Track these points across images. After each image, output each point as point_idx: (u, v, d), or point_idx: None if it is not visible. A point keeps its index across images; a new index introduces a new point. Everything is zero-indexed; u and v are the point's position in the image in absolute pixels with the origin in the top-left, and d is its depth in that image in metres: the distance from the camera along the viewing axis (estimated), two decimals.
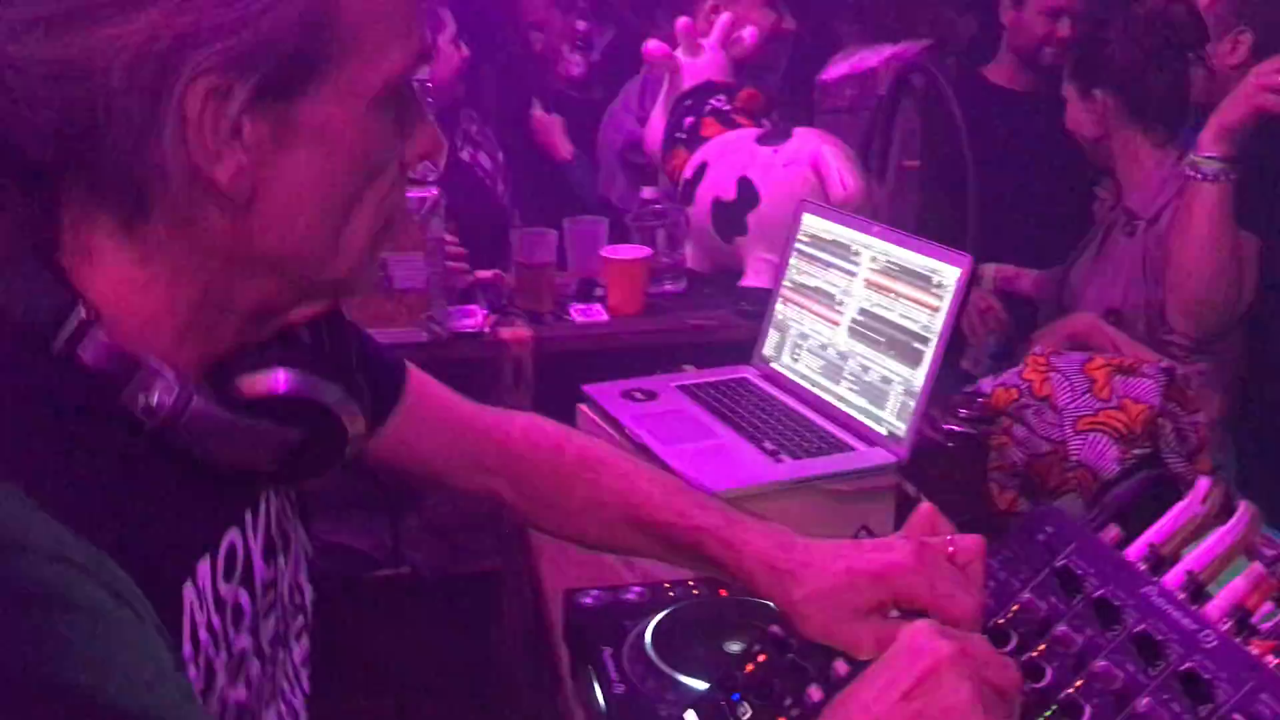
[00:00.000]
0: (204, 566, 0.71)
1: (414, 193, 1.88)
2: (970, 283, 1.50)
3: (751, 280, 2.25)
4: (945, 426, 1.67)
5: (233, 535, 0.75)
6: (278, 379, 0.72)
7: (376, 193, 0.72)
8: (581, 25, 3.22)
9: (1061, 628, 0.80)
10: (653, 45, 2.40)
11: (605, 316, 2.23)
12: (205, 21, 0.61)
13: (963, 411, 1.68)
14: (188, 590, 0.69)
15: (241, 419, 0.70)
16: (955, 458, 1.65)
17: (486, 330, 2.08)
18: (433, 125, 0.76)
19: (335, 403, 0.74)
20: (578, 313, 2.23)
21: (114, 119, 0.61)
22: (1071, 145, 2.18)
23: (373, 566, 2.03)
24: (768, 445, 1.57)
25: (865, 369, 1.63)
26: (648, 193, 2.36)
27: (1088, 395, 1.59)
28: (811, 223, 1.81)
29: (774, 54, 2.78)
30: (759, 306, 1.90)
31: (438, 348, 1.95)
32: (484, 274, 2.30)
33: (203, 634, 0.70)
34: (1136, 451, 1.51)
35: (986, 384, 1.71)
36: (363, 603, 1.97)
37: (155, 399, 0.66)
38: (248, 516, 0.78)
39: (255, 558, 0.78)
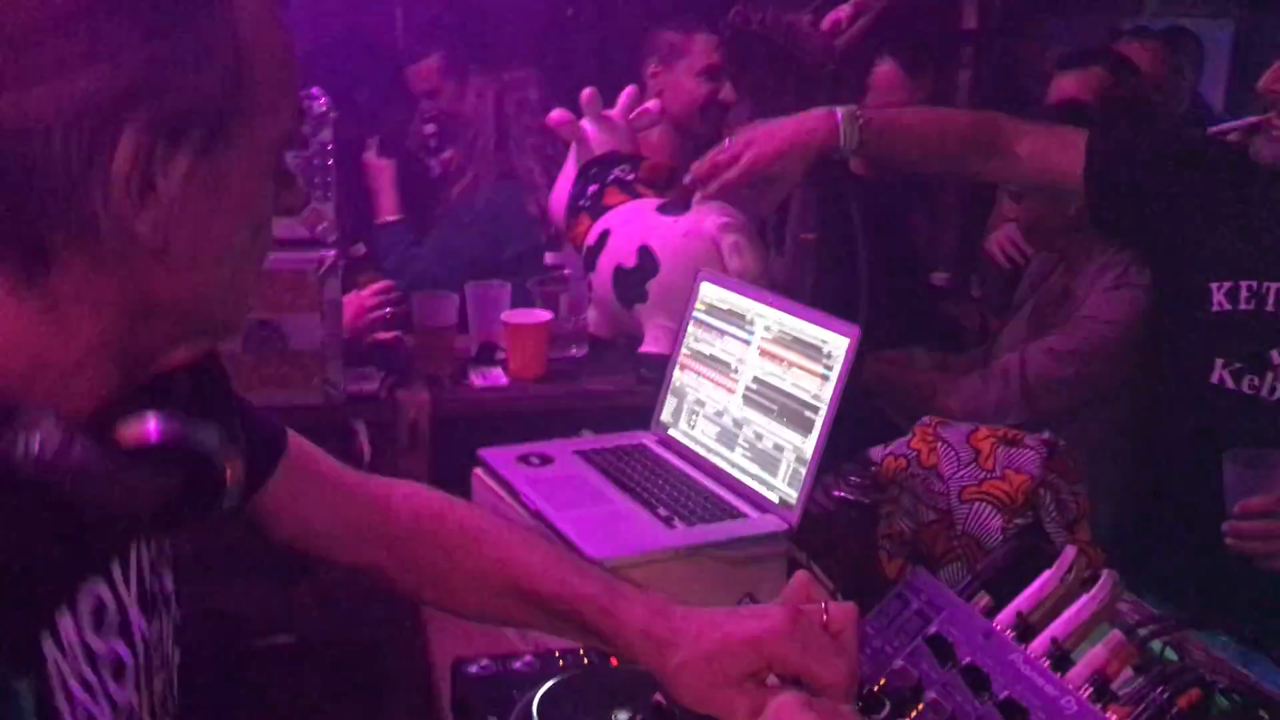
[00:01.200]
0: (65, 619, 0.70)
1: (312, 254, 1.86)
2: (860, 354, 1.55)
3: (650, 346, 2.27)
4: (836, 494, 1.70)
5: (98, 587, 0.74)
6: (156, 425, 0.72)
7: (261, 241, 0.76)
8: (430, 129, 3.09)
9: (932, 694, 0.81)
10: (556, 114, 2.43)
11: (505, 380, 2.23)
12: (139, 83, 0.64)
13: (854, 479, 1.71)
14: (47, 644, 0.67)
15: (121, 465, 0.70)
16: (846, 525, 1.68)
17: (383, 393, 2.06)
18: (296, 177, 0.80)
19: (214, 449, 0.74)
20: (477, 376, 2.23)
21: (46, 176, 0.63)
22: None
23: (260, 634, 1.97)
24: (662, 511, 1.58)
25: (759, 436, 1.66)
26: (551, 258, 2.37)
27: (973, 465, 1.63)
28: (709, 291, 1.84)
29: (714, 124, 2.80)
30: (657, 373, 1.92)
31: (333, 410, 1.92)
32: (383, 336, 2.29)
33: (74, 687, 0.69)
34: (1018, 520, 1.56)
35: (877, 452, 1.75)
36: (249, 671, 1.91)
37: (36, 445, 0.65)
38: (115, 568, 0.77)
39: (130, 610, 0.77)
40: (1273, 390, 1.62)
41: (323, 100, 1.94)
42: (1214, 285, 1.67)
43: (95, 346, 0.70)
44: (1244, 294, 1.64)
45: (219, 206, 0.70)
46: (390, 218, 2.91)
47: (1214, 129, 2.37)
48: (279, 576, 2.02)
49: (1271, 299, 1.62)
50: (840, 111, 1.80)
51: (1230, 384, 1.65)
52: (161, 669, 0.81)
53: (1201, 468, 1.65)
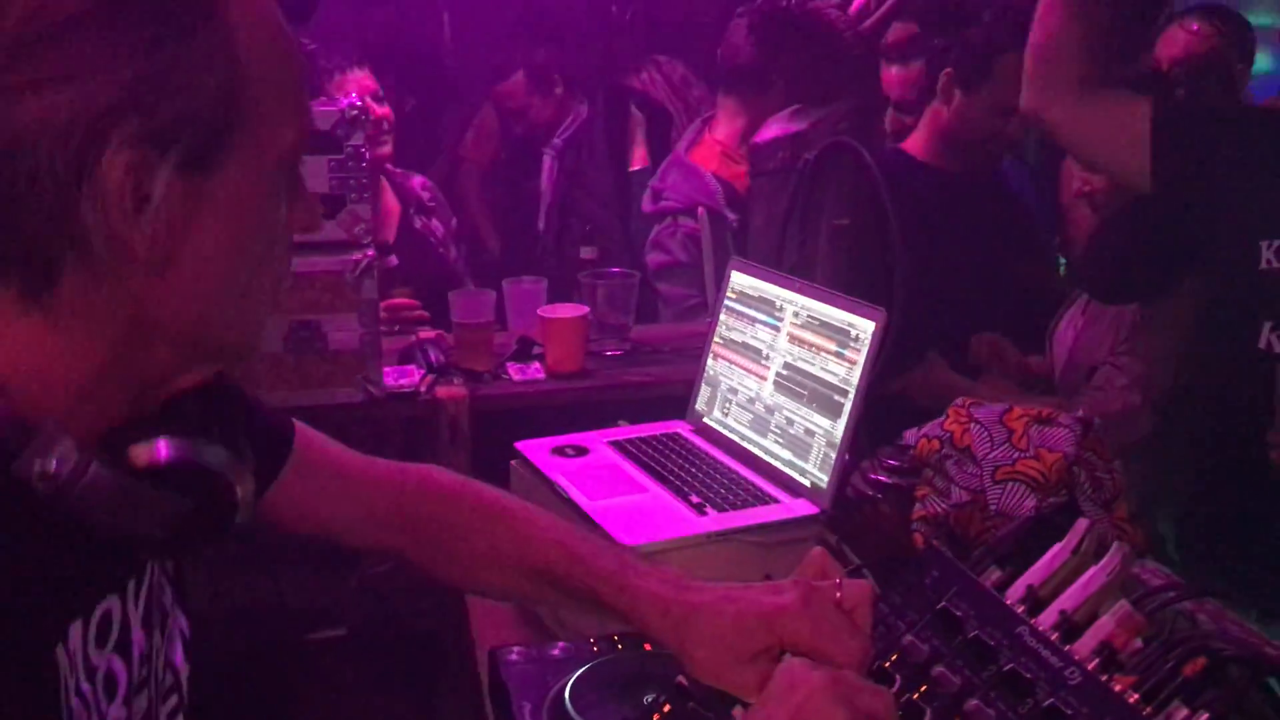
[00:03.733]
0: (75, 630, 0.71)
1: (349, 255, 1.90)
2: (885, 336, 1.55)
3: None
4: (872, 477, 1.70)
5: (111, 602, 0.75)
6: (167, 447, 0.73)
7: (273, 262, 0.75)
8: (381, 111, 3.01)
9: (940, 669, 0.82)
10: None
11: (543, 375, 2.25)
12: (127, 97, 0.63)
13: (890, 463, 1.71)
14: (60, 654, 0.68)
15: (135, 487, 0.71)
16: (881, 508, 1.68)
17: (423, 390, 2.10)
18: (312, 200, 0.79)
19: (224, 468, 0.75)
20: (516, 371, 2.25)
21: (36, 192, 0.63)
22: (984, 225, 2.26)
23: (309, 628, 2.02)
24: (694, 499, 1.59)
25: (790, 422, 1.66)
26: (586, 253, 2.39)
27: (1006, 445, 1.62)
28: (739, 280, 1.85)
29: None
30: None
31: (373, 407, 1.96)
32: (426, 334, 2.33)
33: (74, 700, 0.69)
34: (1052, 500, 1.55)
35: (911, 435, 1.74)
36: (299, 665, 1.95)
37: (53, 466, 0.66)
38: (130, 585, 0.78)
39: (134, 627, 0.78)
40: None
41: (356, 103, 1.98)
42: (1264, 243, 1.64)
43: (102, 368, 0.70)
44: None
45: (221, 224, 0.69)
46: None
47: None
48: (328, 570, 2.07)
49: None
50: None
51: (1278, 348, 1.62)
52: (151, 685, 0.82)
53: (1252, 439, 1.63)
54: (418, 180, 2.99)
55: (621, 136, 3.35)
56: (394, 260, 2.66)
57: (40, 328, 0.68)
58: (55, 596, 0.70)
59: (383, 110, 2.71)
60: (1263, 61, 3.66)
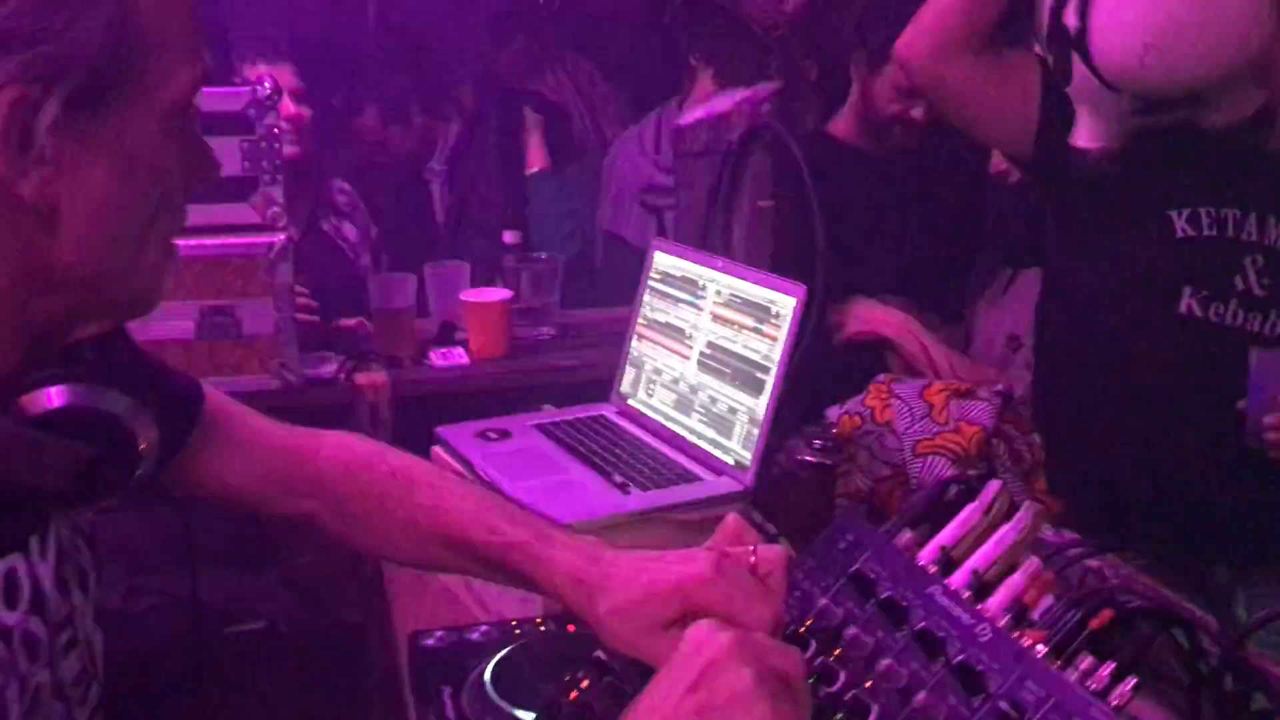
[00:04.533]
0: None
1: (262, 238, 1.86)
2: (808, 312, 1.55)
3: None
4: (798, 457, 1.71)
5: (14, 560, 0.73)
6: (61, 393, 0.71)
7: (169, 211, 0.74)
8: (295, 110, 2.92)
9: (854, 630, 0.82)
10: None
11: (466, 360, 2.22)
12: (10, 31, 0.62)
13: (816, 442, 1.72)
14: None
15: (31, 435, 0.69)
16: (805, 485, 1.68)
17: (341, 376, 2.06)
18: (209, 149, 0.77)
19: (124, 414, 0.73)
20: (438, 356, 2.22)
21: None
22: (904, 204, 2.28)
23: (227, 623, 1.97)
24: (617, 478, 1.58)
25: (714, 400, 1.66)
26: (509, 237, 2.37)
27: (926, 419, 1.64)
28: (662, 260, 1.84)
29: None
30: None
31: (290, 395, 1.92)
32: (347, 322, 2.29)
33: None
34: (972, 473, 1.56)
35: (834, 412, 1.75)
36: (216, 660, 1.91)
37: None
38: (33, 543, 0.75)
39: (45, 585, 0.76)
40: (1236, 316, 1.63)
41: (268, 83, 1.93)
42: (1173, 214, 1.67)
43: None
44: (1205, 220, 1.65)
45: (111, 168, 0.68)
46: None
47: None
48: (248, 564, 2.02)
49: (1231, 225, 1.64)
50: None
51: (1198, 312, 1.65)
52: (76, 648, 0.80)
53: (1172, 403, 1.66)
54: (336, 183, 2.91)
55: (515, 141, 3.32)
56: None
57: None
58: None
59: (298, 110, 2.62)
60: None
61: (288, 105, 2.46)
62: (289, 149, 2.52)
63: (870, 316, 2.11)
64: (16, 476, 0.69)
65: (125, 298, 0.75)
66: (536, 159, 3.31)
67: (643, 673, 0.90)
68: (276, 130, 1.88)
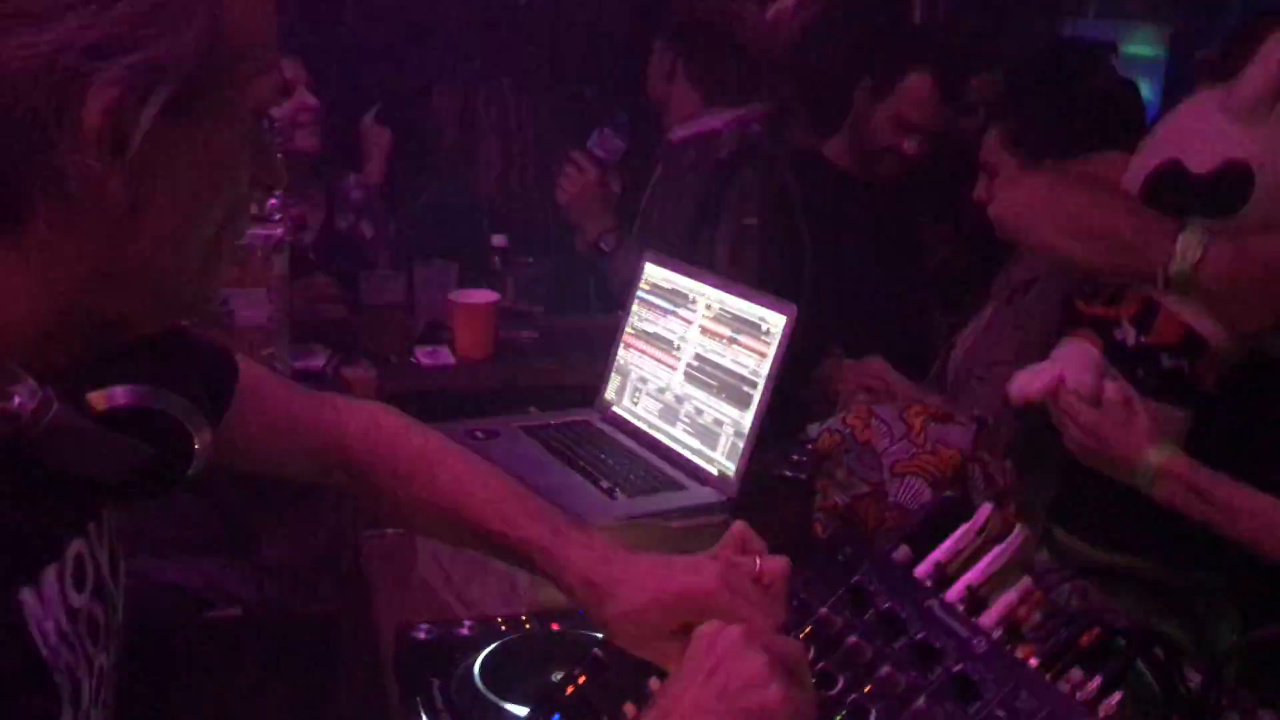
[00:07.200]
0: (50, 573, 0.70)
1: (260, 230, 1.87)
2: (795, 331, 1.59)
3: None
4: (776, 472, 1.75)
5: (79, 544, 0.75)
6: (129, 393, 0.73)
7: (237, 216, 0.76)
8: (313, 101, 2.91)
9: (853, 639, 0.86)
10: None
11: (452, 360, 2.25)
12: (111, 37, 0.63)
13: (795, 458, 1.76)
14: (26, 595, 0.68)
15: (97, 430, 0.71)
16: (785, 498, 1.72)
17: (329, 371, 2.08)
18: (277, 158, 0.79)
19: (184, 416, 0.75)
20: (424, 356, 2.24)
21: (17, 128, 0.63)
22: (894, 234, 2.32)
23: (204, 607, 1.98)
24: (604, 484, 1.61)
25: (699, 412, 1.70)
26: (497, 240, 2.40)
27: (904, 440, 1.69)
28: (653, 271, 1.88)
29: None
30: None
31: None
32: (331, 314, 2.30)
33: (54, 640, 0.69)
34: (947, 494, 1.62)
35: (814, 429, 1.80)
36: (197, 644, 1.92)
37: (15, 404, 0.66)
38: (91, 527, 0.77)
39: (104, 570, 0.78)
40: None
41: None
42: None
43: (67, 310, 0.70)
44: None
45: (195, 174, 0.69)
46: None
47: None
48: (226, 550, 2.03)
49: None
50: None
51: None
52: (117, 635, 0.81)
53: None
54: (351, 180, 2.91)
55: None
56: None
57: (6, 266, 0.67)
58: (17, 537, 0.68)
59: (311, 101, 2.62)
60: (1145, 91, 3.84)
61: (305, 97, 2.47)
62: (308, 140, 2.53)
63: (858, 372, 2.13)
64: (81, 467, 0.70)
65: (188, 299, 0.77)
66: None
67: (640, 674, 0.95)
68: (277, 122, 1.89)
